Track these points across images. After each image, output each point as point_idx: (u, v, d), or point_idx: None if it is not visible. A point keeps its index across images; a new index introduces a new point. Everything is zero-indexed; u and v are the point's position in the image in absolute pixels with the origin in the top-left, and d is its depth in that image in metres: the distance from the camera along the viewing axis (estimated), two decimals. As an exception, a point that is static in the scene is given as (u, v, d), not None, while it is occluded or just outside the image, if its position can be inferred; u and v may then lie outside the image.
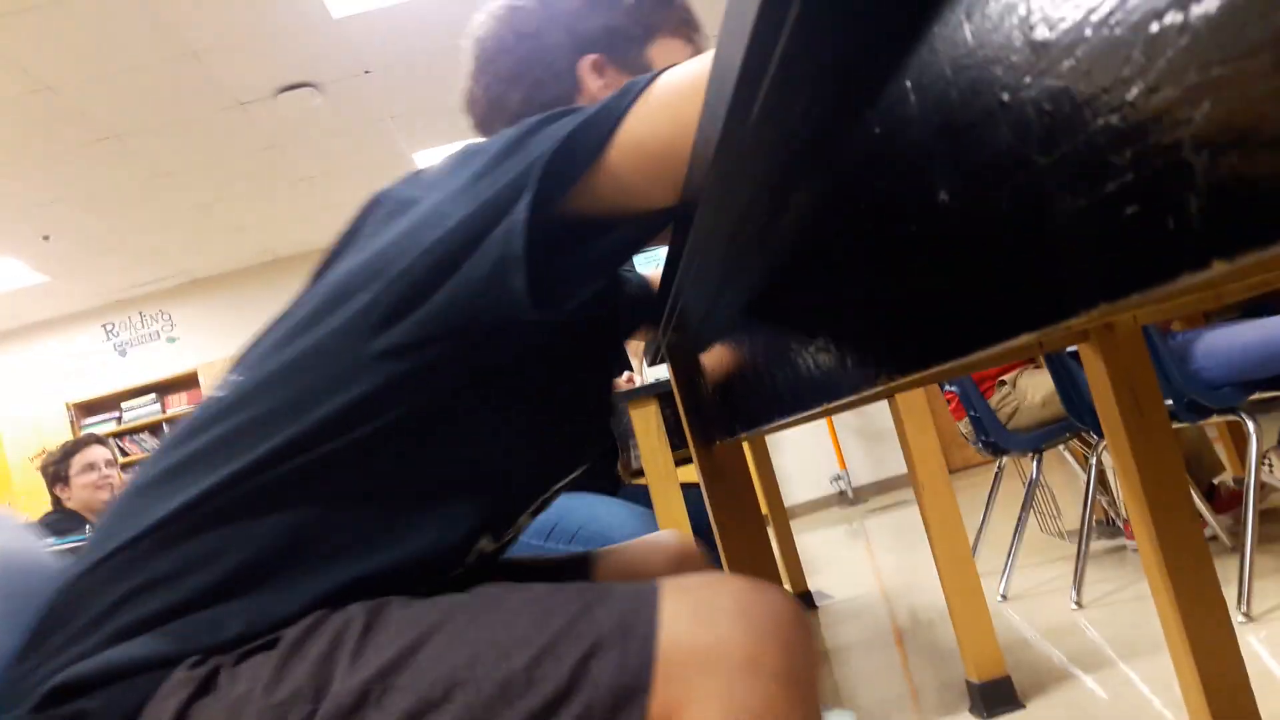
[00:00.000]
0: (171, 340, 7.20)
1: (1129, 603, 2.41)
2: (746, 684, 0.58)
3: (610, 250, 0.78)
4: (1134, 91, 0.25)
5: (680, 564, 0.96)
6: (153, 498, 0.74)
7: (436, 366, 0.75)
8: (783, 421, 0.71)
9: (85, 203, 5.31)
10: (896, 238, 0.40)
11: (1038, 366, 2.91)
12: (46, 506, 3.22)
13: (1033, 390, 2.85)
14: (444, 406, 0.76)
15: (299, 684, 0.62)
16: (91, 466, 3.10)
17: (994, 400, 2.93)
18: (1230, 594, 2.12)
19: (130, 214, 5.63)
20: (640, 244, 0.79)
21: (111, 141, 4.67)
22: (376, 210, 0.87)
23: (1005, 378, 2.94)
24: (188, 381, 7.12)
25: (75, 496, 3.11)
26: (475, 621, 0.63)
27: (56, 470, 3.12)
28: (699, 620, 0.59)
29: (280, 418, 0.74)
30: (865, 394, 0.53)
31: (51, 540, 2.28)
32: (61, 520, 3.02)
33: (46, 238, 5.66)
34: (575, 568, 0.97)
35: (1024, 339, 0.34)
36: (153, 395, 7.09)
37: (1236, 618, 2.04)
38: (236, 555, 0.70)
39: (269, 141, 5.13)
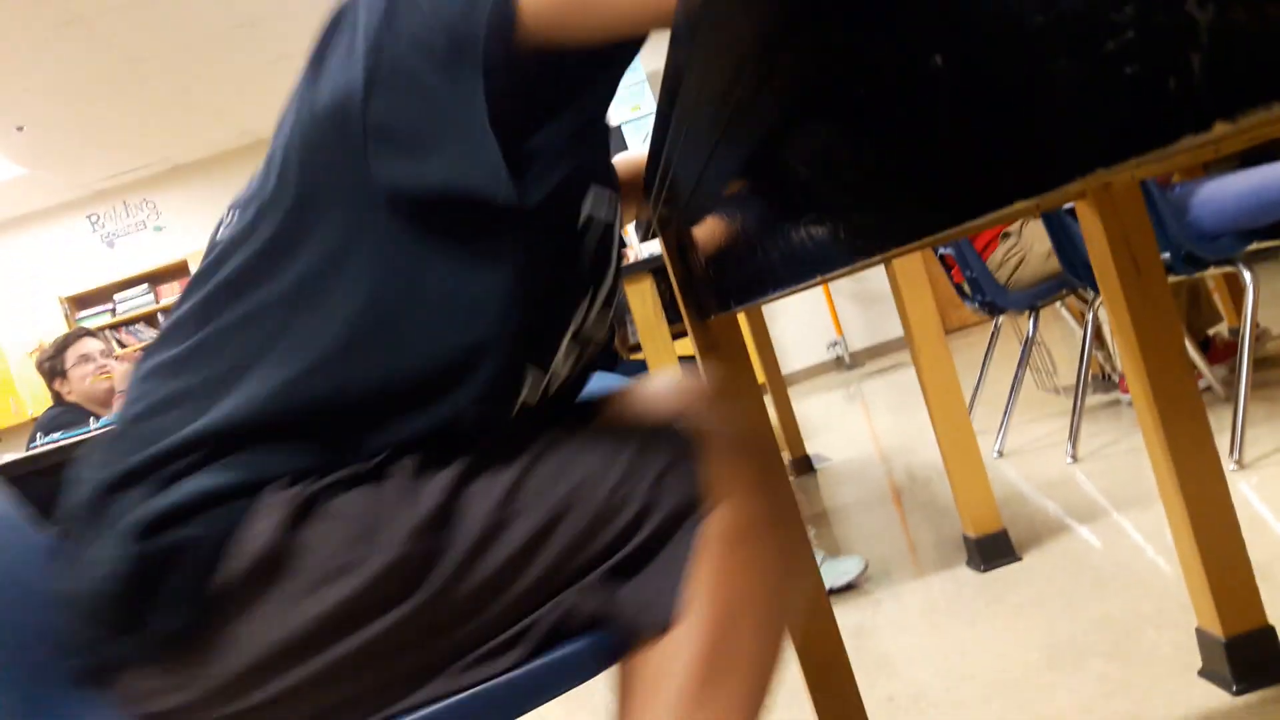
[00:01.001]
0: (158, 229, 7.12)
1: (1123, 455, 2.46)
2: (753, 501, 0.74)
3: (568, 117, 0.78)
4: (1137, -59, 0.24)
5: (681, 398, 1.01)
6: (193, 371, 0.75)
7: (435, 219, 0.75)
8: (777, 294, 0.71)
9: (56, 91, 5.17)
10: (889, 103, 0.39)
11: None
12: (48, 402, 3.24)
13: (1039, 241, 2.82)
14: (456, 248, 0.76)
15: (426, 512, 0.69)
16: (86, 358, 3.11)
17: (999, 253, 2.90)
18: (1223, 443, 2.16)
19: (104, 101, 5.48)
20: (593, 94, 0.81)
21: (78, 25, 4.50)
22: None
23: (1009, 229, 2.91)
24: (178, 270, 7.08)
25: (74, 389, 3.12)
26: (567, 462, 0.74)
27: (53, 365, 3.13)
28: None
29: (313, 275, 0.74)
30: (860, 264, 0.53)
31: (58, 435, 2.30)
32: (64, 414, 3.04)
33: (20, 128, 5.53)
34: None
35: (1020, 205, 0.33)
36: (144, 286, 7.06)
37: (1228, 466, 2.09)
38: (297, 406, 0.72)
39: (243, 19, 4.96)
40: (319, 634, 0.67)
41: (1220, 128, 0.23)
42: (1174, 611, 1.51)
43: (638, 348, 2.33)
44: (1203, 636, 1.28)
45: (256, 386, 0.71)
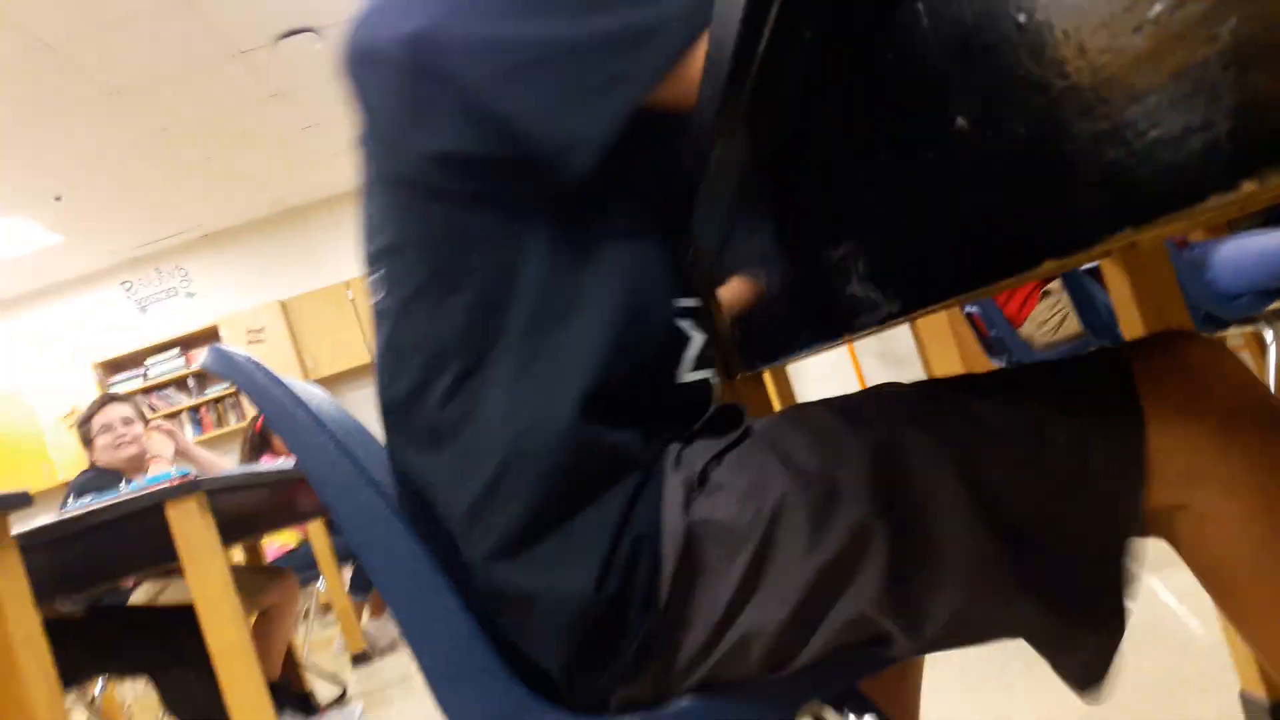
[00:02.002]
0: (190, 295, 7.23)
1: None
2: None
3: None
4: (1157, 8, 0.24)
5: None
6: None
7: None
8: (802, 353, 0.71)
9: (92, 160, 5.30)
10: (914, 166, 0.39)
11: (1060, 281, 2.87)
12: (82, 465, 3.28)
13: None
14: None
15: (814, 466, 0.66)
16: (107, 428, 3.16)
17: (1042, 309, 2.88)
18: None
19: (137, 169, 5.61)
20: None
21: (113, 97, 4.63)
22: None
23: (1049, 287, 2.90)
24: (208, 335, 7.16)
25: (99, 457, 3.17)
26: (990, 428, 0.64)
27: (83, 433, 3.19)
28: (1204, 427, 0.61)
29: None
30: (887, 324, 0.53)
31: (89, 499, 2.31)
32: (95, 479, 3.07)
33: (58, 198, 5.67)
34: None
35: (1047, 266, 0.34)
36: (176, 350, 7.14)
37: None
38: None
39: (272, 90, 5.09)
40: (744, 594, 0.68)
41: (1248, 187, 0.24)
42: (1215, 674, 1.47)
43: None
44: (1247, 701, 1.25)
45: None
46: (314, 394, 0.92)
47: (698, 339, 0.80)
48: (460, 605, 0.73)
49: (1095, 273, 2.42)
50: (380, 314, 0.81)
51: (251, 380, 0.79)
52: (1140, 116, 0.26)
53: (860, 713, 0.72)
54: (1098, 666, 0.63)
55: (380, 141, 0.80)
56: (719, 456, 0.71)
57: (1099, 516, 0.62)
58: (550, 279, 0.75)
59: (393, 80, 0.77)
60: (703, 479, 0.70)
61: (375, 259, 0.82)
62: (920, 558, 0.64)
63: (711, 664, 0.69)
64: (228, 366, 0.80)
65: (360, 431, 0.95)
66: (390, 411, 0.79)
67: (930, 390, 0.68)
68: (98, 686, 3.30)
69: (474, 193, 0.76)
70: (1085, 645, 0.63)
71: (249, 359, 0.81)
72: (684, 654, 0.69)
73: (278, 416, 0.78)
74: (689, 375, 0.79)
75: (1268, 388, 0.64)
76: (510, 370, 0.74)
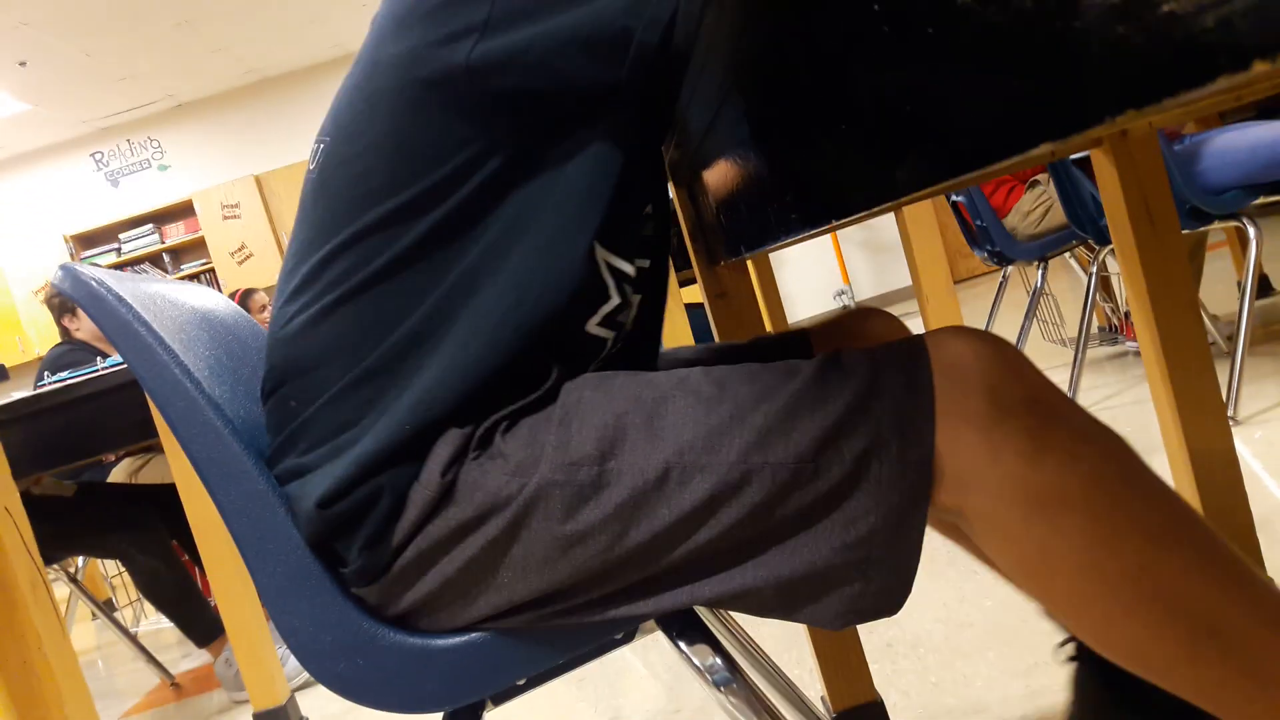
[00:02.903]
0: (163, 168, 7.08)
1: (1127, 406, 2.46)
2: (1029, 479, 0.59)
3: None
4: None
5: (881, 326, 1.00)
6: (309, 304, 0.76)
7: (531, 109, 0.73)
8: (788, 239, 0.70)
9: (59, 24, 5.10)
10: (910, 41, 0.38)
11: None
12: (54, 340, 3.24)
13: None
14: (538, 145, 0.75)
15: (588, 450, 0.67)
16: None
17: (1027, 200, 2.87)
18: (1227, 397, 2.16)
19: (106, 35, 5.41)
20: None
21: (79, -42, 4.43)
22: None
23: (1038, 178, 2.88)
24: (183, 210, 7.04)
25: (84, 326, 3.12)
26: (757, 404, 0.65)
27: (63, 301, 3.12)
28: (971, 430, 0.60)
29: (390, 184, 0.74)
30: (873, 210, 0.52)
31: (65, 374, 2.30)
32: (71, 352, 3.05)
33: (23, 63, 5.47)
34: (795, 345, 1.00)
35: (1044, 148, 0.33)
36: (150, 225, 7.03)
37: (1228, 419, 2.08)
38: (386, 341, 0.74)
39: (244, -47, 4.88)
40: (481, 569, 0.71)
41: (1260, 67, 0.23)
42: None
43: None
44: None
45: (444, 362, 0.73)
46: (191, 303, 0.93)
47: (615, 300, 0.80)
48: (290, 518, 0.77)
49: (1083, 164, 2.39)
50: (312, 185, 0.80)
51: (93, 297, 0.80)
52: (1154, -10, 0.25)
53: (691, 641, 0.75)
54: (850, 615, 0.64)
55: (401, 26, 0.74)
56: (513, 420, 0.72)
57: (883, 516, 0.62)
58: (504, 204, 0.74)
59: None
60: (487, 440, 0.71)
61: (327, 131, 0.80)
62: (668, 552, 0.66)
63: (449, 619, 0.74)
64: (76, 287, 0.81)
65: (240, 342, 0.97)
66: (283, 297, 0.80)
67: (724, 384, 0.67)
68: (80, 560, 3.35)
69: (483, 105, 0.72)
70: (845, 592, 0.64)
71: (99, 279, 0.81)
72: (406, 601, 0.74)
73: (119, 335, 0.79)
74: (594, 329, 0.79)
75: (1043, 379, 0.63)
76: (441, 296, 0.74)
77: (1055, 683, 1.26)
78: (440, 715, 0.78)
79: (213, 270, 6.97)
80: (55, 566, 2.74)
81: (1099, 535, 0.58)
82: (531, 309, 0.73)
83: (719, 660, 0.74)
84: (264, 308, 4.33)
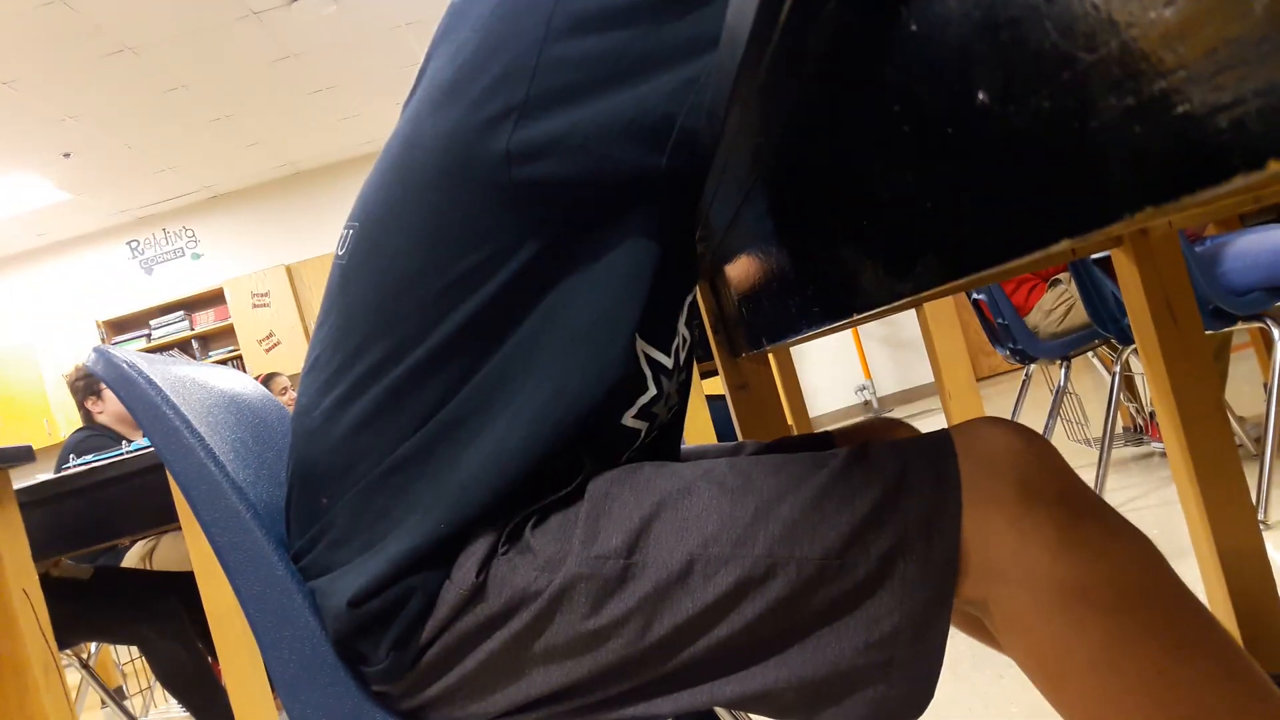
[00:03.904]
0: (196, 257, 7.23)
1: (1154, 508, 2.42)
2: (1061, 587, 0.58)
3: None
4: (1191, -20, 0.23)
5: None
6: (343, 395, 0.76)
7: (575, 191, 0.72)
8: (808, 332, 0.70)
9: (103, 118, 5.28)
10: (929, 140, 0.39)
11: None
12: (78, 424, 3.27)
13: None
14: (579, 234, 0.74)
15: (614, 544, 0.66)
16: None
17: (1049, 298, 2.88)
18: (1257, 499, 2.12)
19: (148, 129, 5.59)
20: None
21: (127, 54, 4.62)
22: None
23: (1060, 276, 2.89)
24: (213, 298, 7.17)
25: (108, 410, 3.15)
26: (783, 497, 0.64)
27: (87, 384, 3.15)
28: (1000, 518, 0.60)
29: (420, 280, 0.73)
30: (894, 305, 0.52)
31: (89, 457, 2.32)
32: (94, 437, 3.07)
33: (67, 155, 5.65)
34: (820, 447, 0.98)
35: (1063, 245, 0.33)
36: (180, 312, 7.15)
37: (1258, 523, 2.05)
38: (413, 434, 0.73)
39: (284, 51, 5.06)
40: (503, 663, 0.70)
41: (1274, 166, 0.23)
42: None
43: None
44: None
45: (480, 458, 0.72)
46: (220, 386, 0.94)
47: (652, 392, 0.79)
48: (309, 607, 0.76)
49: (1104, 264, 2.41)
50: (341, 271, 0.79)
51: (124, 380, 0.81)
52: (1168, 93, 0.26)
53: None
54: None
55: (438, 109, 0.73)
56: (542, 515, 0.72)
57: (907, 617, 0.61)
58: (542, 293, 0.73)
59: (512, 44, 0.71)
60: (516, 535, 0.71)
61: (356, 217, 0.80)
62: (692, 644, 0.65)
63: (466, 714, 0.73)
64: (108, 369, 0.82)
65: (267, 425, 0.98)
66: (311, 391, 0.80)
67: (750, 476, 0.67)
68: (93, 646, 3.32)
69: (516, 194, 0.71)
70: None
71: (130, 361, 0.83)
72: (425, 696, 0.73)
73: (148, 417, 0.80)
74: (630, 420, 0.79)
75: (1073, 474, 0.62)
76: (474, 396, 0.73)
77: (1087, 794, 1.22)
78: (451, 812, 0.76)
79: (240, 357, 7.06)
80: (67, 652, 2.72)
81: (1118, 635, 0.57)
82: (570, 404, 0.72)
83: (738, 761, 0.72)
84: (285, 390, 4.36)
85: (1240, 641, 1.19)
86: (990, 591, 0.60)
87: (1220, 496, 1.20)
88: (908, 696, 0.61)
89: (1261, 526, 2.03)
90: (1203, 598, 1.73)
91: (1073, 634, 0.58)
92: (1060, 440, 3.61)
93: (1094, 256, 2.37)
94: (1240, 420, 2.69)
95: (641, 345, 0.76)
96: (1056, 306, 2.87)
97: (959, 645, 1.88)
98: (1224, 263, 2.18)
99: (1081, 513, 0.59)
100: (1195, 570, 1.88)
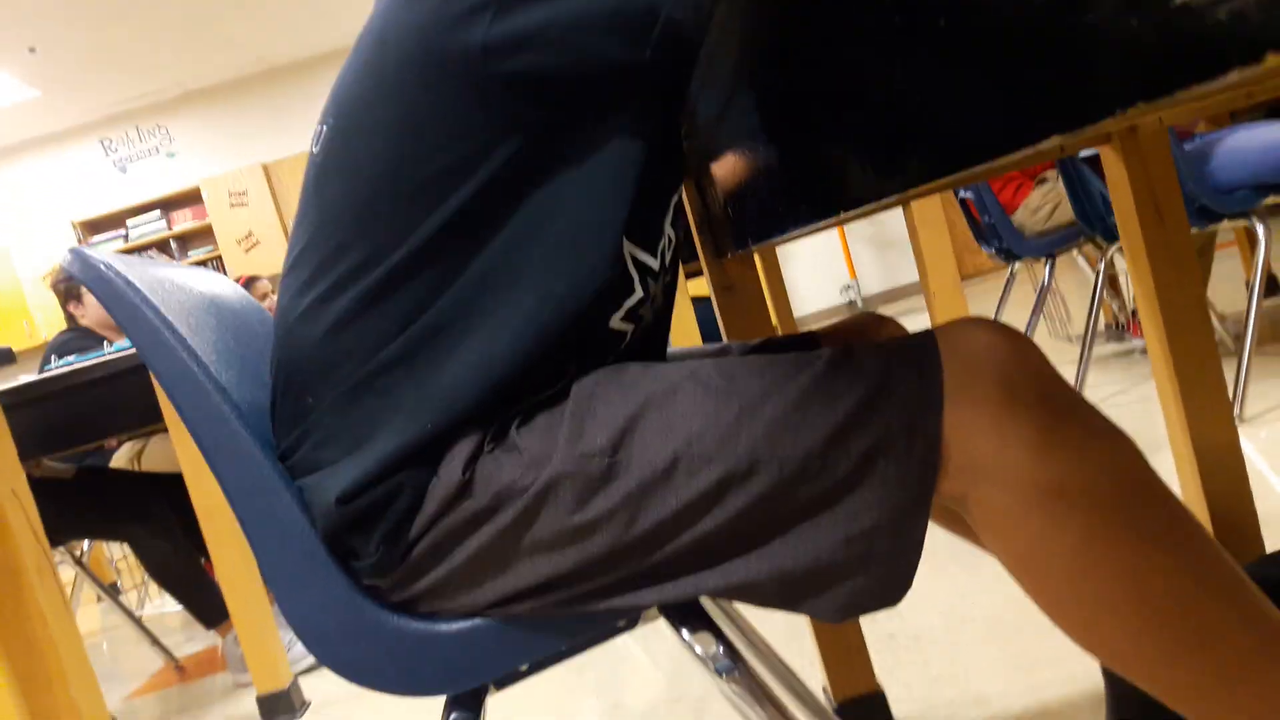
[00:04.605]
0: (171, 155, 7.08)
1: (1133, 404, 2.46)
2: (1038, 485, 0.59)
3: None
4: None
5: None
6: (322, 286, 0.75)
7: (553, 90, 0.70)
8: (795, 231, 0.70)
9: (69, 12, 5.10)
10: (921, 34, 0.38)
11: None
12: (61, 325, 3.25)
13: None
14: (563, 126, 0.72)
15: (600, 443, 0.67)
16: None
17: (1035, 196, 2.87)
18: (1233, 396, 2.15)
19: (117, 25, 5.41)
20: None
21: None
22: None
23: (1046, 174, 2.87)
24: (190, 197, 7.05)
25: (90, 313, 3.13)
26: (767, 396, 0.65)
27: (69, 287, 3.12)
28: (981, 418, 0.60)
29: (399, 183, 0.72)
30: (882, 202, 0.52)
31: (73, 357, 2.31)
32: (77, 339, 3.05)
33: (33, 50, 5.47)
34: (805, 348, 0.98)
35: (1053, 141, 0.33)
36: (157, 212, 7.04)
37: (1234, 419, 2.08)
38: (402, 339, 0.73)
39: (254, -59, 4.88)
40: (490, 557, 0.71)
41: (1272, 59, 0.23)
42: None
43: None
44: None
45: (468, 359, 0.72)
46: (199, 288, 0.93)
47: (639, 294, 0.78)
48: (298, 505, 0.77)
49: (1092, 161, 2.39)
50: (317, 169, 0.77)
51: (101, 280, 0.80)
52: (1167, -18, 0.25)
53: (694, 629, 0.75)
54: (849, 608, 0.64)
55: (412, 1, 0.71)
56: (528, 415, 0.72)
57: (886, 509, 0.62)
58: (523, 195, 0.72)
59: None
60: (502, 434, 0.71)
61: (331, 114, 0.77)
62: (674, 540, 0.67)
63: (456, 605, 0.74)
64: (85, 270, 0.81)
65: (248, 327, 0.97)
66: (292, 291, 0.79)
67: (735, 376, 0.67)
68: (85, 545, 3.37)
69: (494, 86, 0.69)
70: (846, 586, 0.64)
71: (108, 263, 0.81)
72: (414, 589, 0.75)
73: (127, 318, 0.79)
74: (616, 323, 0.78)
75: (1055, 373, 0.63)
76: (458, 300, 0.72)
77: (1056, 678, 1.27)
78: (443, 699, 0.78)
79: (220, 258, 6.98)
80: (61, 550, 2.76)
81: (1095, 533, 0.59)
82: (556, 308, 0.72)
83: (721, 649, 0.75)
84: (266, 295, 4.34)
85: (1212, 534, 1.22)
86: (970, 489, 0.61)
87: (1198, 392, 1.22)
88: (885, 587, 0.63)
89: (1237, 422, 2.07)
90: (1177, 491, 1.77)
91: (1051, 531, 0.59)
92: (1042, 338, 3.64)
93: (1082, 155, 2.36)
94: (1221, 318, 2.71)
95: (628, 247, 0.76)
96: (1043, 205, 2.86)
97: (936, 537, 1.93)
98: (1212, 160, 2.16)
99: (1062, 412, 0.60)
100: (1171, 465, 1.92)
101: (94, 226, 7.08)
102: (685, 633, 0.76)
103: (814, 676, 1.46)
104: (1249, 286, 2.21)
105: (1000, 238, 2.93)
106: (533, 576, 0.70)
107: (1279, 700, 0.57)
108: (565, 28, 0.68)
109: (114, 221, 7.07)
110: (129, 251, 6.95)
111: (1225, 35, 0.24)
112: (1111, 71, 0.28)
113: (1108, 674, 1.06)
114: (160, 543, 2.45)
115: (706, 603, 1.07)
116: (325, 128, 0.77)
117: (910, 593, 1.69)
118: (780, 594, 0.66)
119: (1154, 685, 0.61)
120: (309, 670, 2.38)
